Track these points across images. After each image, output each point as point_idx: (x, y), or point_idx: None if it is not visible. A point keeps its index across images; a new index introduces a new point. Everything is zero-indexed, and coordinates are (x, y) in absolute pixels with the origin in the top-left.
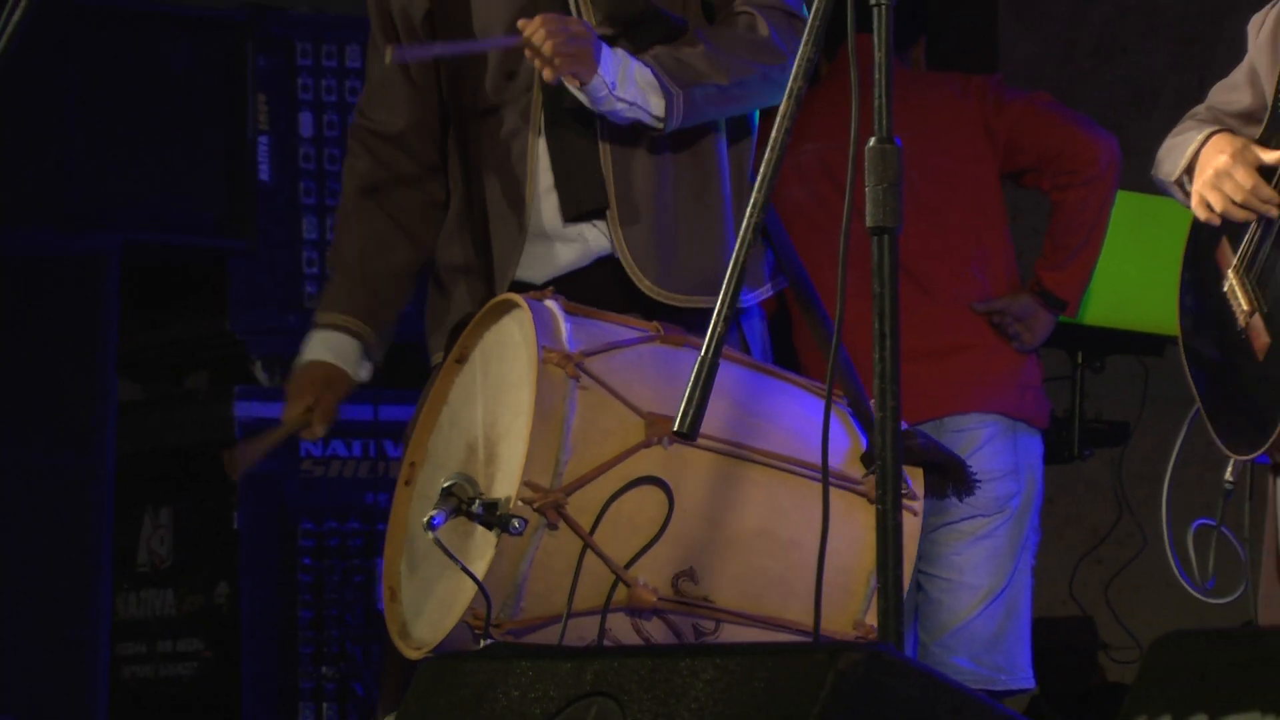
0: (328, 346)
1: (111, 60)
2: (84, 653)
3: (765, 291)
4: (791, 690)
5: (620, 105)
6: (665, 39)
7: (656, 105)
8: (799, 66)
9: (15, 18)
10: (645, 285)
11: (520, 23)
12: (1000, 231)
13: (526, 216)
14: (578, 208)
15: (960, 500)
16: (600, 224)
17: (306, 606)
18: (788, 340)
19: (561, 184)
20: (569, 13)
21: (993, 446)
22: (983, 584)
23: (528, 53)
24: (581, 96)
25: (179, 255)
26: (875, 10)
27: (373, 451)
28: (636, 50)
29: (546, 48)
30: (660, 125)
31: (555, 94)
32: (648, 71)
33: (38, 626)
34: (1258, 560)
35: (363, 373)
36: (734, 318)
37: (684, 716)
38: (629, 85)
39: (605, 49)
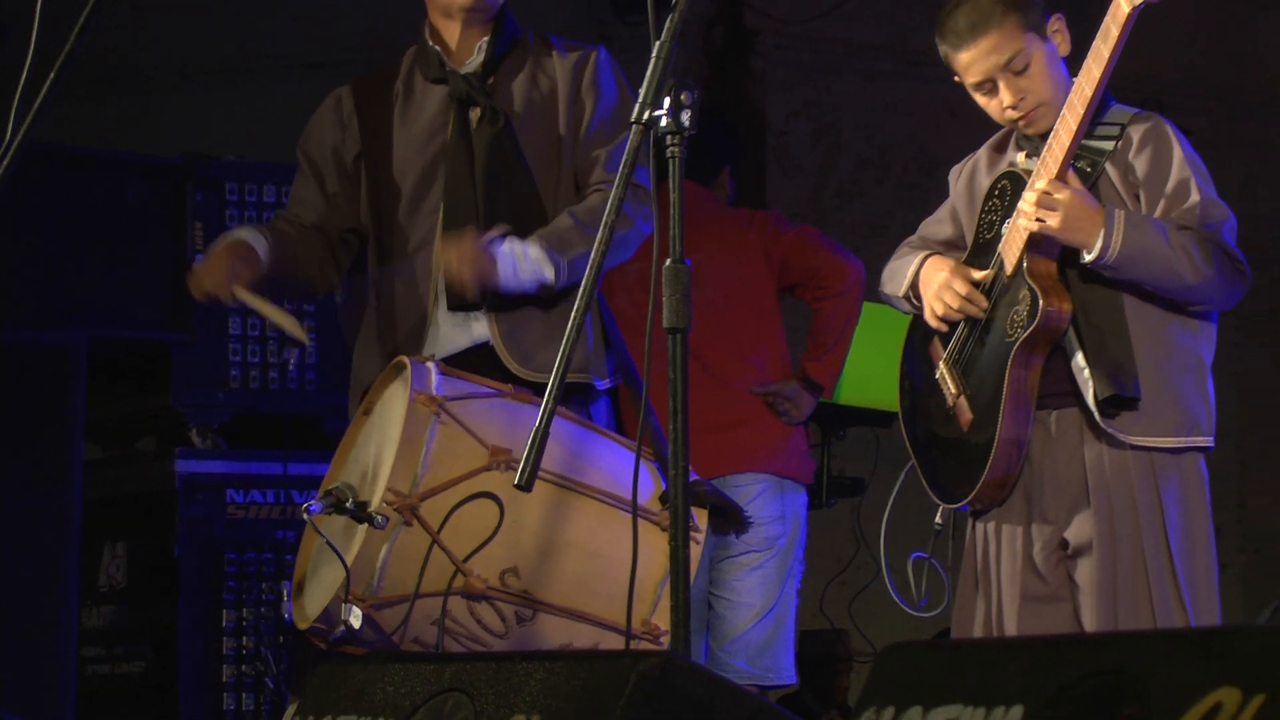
0: (245, 232)
1: (82, 194)
2: (56, 655)
3: (609, 381)
4: (604, 687)
5: (523, 281)
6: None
7: (548, 274)
8: (612, 203)
9: (6, 162)
10: (511, 365)
11: (440, 251)
12: (775, 330)
13: (429, 308)
14: (460, 299)
15: (737, 537)
16: (480, 318)
17: (230, 619)
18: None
19: (451, 283)
20: (474, 183)
21: (764, 499)
22: (755, 604)
23: (447, 275)
24: (494, 287)
25: (133, 346)
26: (670, 161)
27: (283, 499)
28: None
29: (463, 273)
30: (552, 286)
31: (453, 218)
32: (537, 249)
33: (19, 634)
34: (959, 580)
35: (265, 260)
36: (586, 395)
37: (520, 707)
38: (527, 266)
39: (500, 250)
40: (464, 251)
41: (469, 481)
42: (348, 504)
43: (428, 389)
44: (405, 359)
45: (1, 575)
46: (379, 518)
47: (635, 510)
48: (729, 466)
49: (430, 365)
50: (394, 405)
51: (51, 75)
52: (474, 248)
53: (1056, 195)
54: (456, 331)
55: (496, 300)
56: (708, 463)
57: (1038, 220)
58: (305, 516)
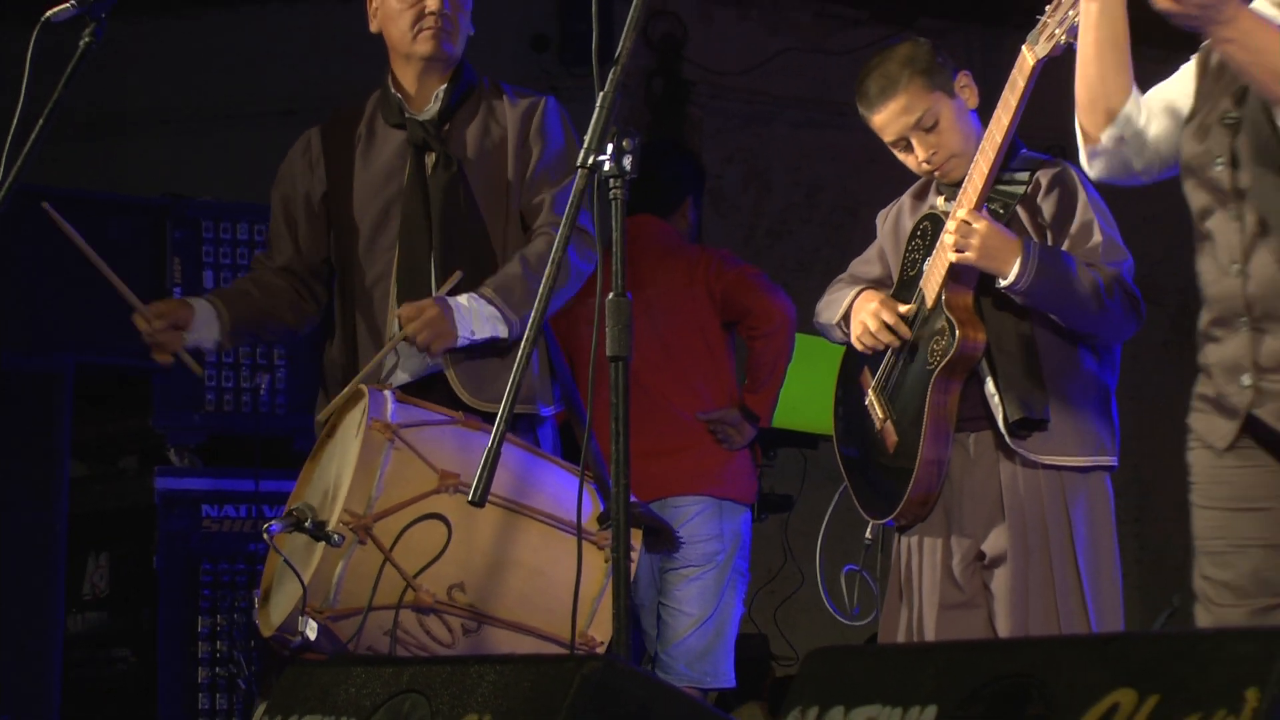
0: (197, 300)
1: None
2: (43, 658)
3: (555, 408)
4: (550, 689)
5: (479, 338)
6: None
7: (502, 330)
8: (559, 244)
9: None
10: (463, 395)
11: (403, 320)
12: (721, 361)
13: (386, 338)
14: None
15: (670, 555)
16: None
17: (205, 625)
18: None
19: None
20: (429, 226)
21: (702, 519)
22: (694, 613)
23: (408, 339)
24: (453, 347)
25: (115, 372)
26: (613, 203)
27: (255, 513)
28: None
29: (421, 340)
30: (505, 340)
31: (408, 256)
32: (491, 308)
33: (8, 638)
34: (886, 590)
35: (206, 333)
36: (533, 422)
37: (473, 707)
38: (482, 325)
39: (458, 311)
40: (425, 319)
41: (420, 503)
42: (306, 524)
43: (383, 417)
44: (364, 387)
45: None
46: (335, 536)
47: (580, 532)
48: (671, 489)
49: (387, 394)
50: (352, 430)
51: (41, 121)
52: (434, 315)
53: (975, 225)
54: (413, 362)
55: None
56: (652, 486)
57: (958, 250)
58: (266, 537)
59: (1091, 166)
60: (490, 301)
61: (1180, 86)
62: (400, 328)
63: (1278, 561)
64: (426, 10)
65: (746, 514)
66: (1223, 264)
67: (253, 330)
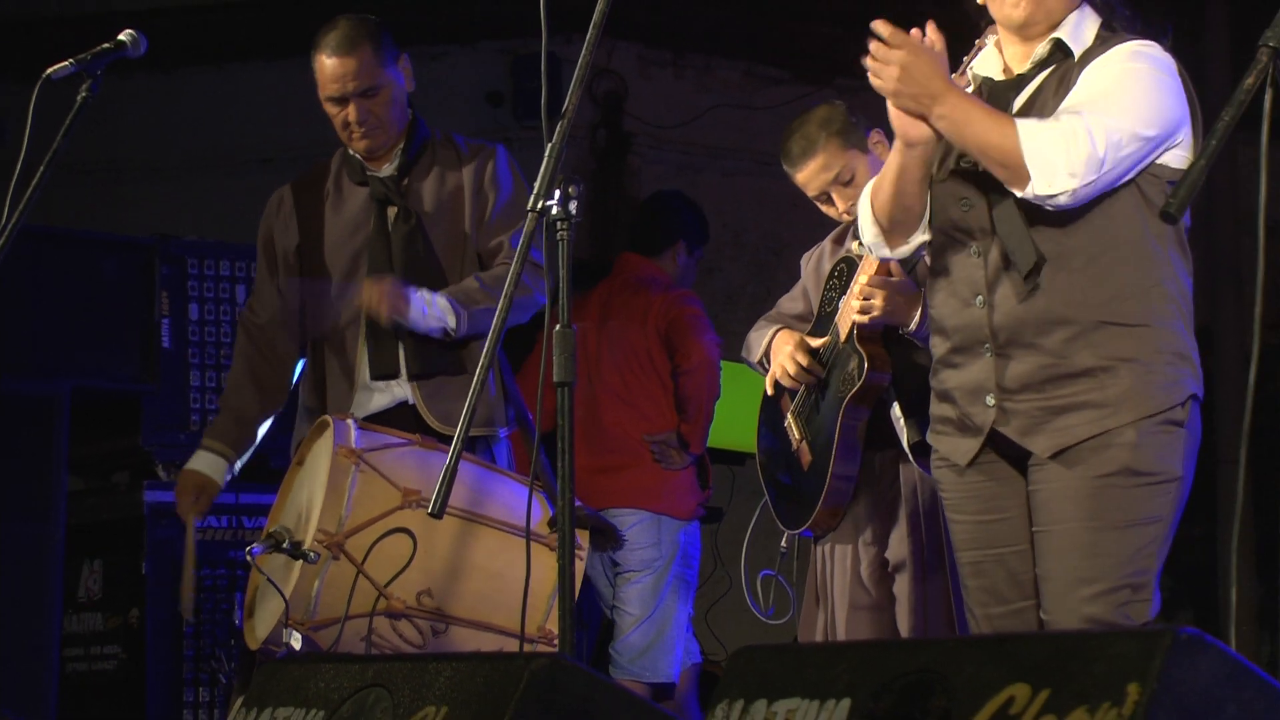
0: (206, 462)
1: (66, 267)
2: (41, 656)
3: (511, 428)
4: (501, 683)
5: (430, 324)
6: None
7: (451, 321)
8: (512, 276)
9: (4, 241)
10: (432, 423)
11: (364, 291)
12: (669, 391)
13: (356, 375)
14: (381, 370)
15: (614, 554)
16: (399, 382)
17: (189, 625)
18: None
19: (373, 356)
20: (390, 266)
21: (639, 529)
22: (636, 613)
23: (367, 310)
24: (405, 323)
25: (108, 395)
26: (560, 243)
27: (235, 524)
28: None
29: (380, 307)
30: (454, 333)
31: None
32: (445, 301)
33: (10, 638)
34: (801, 597)
35: (225, 478)
36: (489, 441)
37: (431, 699)
38: (434, 311)
39: (414, 294)
40: (383, 288)
41: (386, 519)
42: (285, 545)
43: (348, 443)
44: (329, 418)
45: None
46: (312, 554)
47: (529, 536)
48: (613, 501)
49: (349, 423)
50: (321, 457)
51: (42, 168)
52: (392, 287)
53: (876, 290)
54: (380, 395)
55: (416, 371)
56: (599, 498)
57: (863, 313)
58: (249, 558)
59: (879, 254)
60: (445, 297)
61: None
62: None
63: (1028, 564)
64: (349, 122)
65: (688, 527)
66: (964, 297)
67: (258, 429)
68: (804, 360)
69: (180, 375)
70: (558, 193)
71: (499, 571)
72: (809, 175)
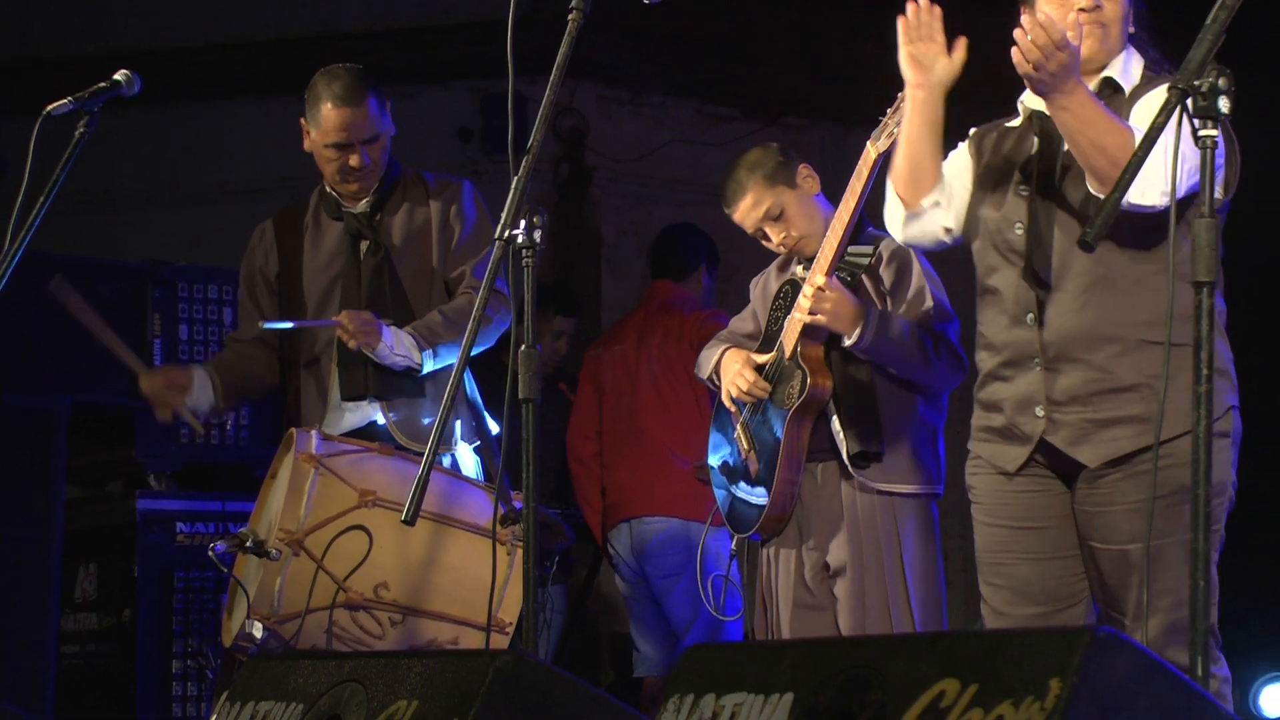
0: (195, 367)
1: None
2: (40, 652)
3: (475, 441)
4: (469, 678)
5: (396, 360)
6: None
7: (416, 360)
8: (480, 303)
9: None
10: (403, 441)
11: (340, 320)
12: (697, 398)
13: (329, 396)
14: (351, 392)
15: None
16: (368, 403)
17: (178, 624)
18: None
19: (343, 379)
20: (360, 301)
21: (669, 535)
22: (688, 615)
23: (341, 335)
24: (373, 355)
25: (104, 410)
26: (524, 269)
27: (222, 530)
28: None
29: (354, 334)
30: (418, 370)
31: None
32: (411, 339)
33: (11, 636)
34: (751, 597)
35: (201, 396)
36: (453, 452)
37: (403, 694)
38: (401, 348)
39: (384, 329)
40: (360, 319)
41: (344, 517)
42: (248, 544)
43: (309, 450)
44: (293, 430)
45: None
46: (273, 551)
47: (495, 537)
48: (644, 509)
49: (312, 433)
50: (287, 467)
51: (43, 199)
52: (368, 318)
53: (827, 292)
54: (351, 414)
55: (383, 393)
56: (631, 505)
57: (811, 313)
58: (211, 555)
59: (906, 231)
60: (410, 334)
61: (959, 164)
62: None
63: (1054, 571)
64: (350, 166)
65: (716, 532)
66: (1014, 314)
67: (242, 391)
68: (750, 376)
69: None
70: (523, 222)
71: (455, 565)
72: (742, 213)
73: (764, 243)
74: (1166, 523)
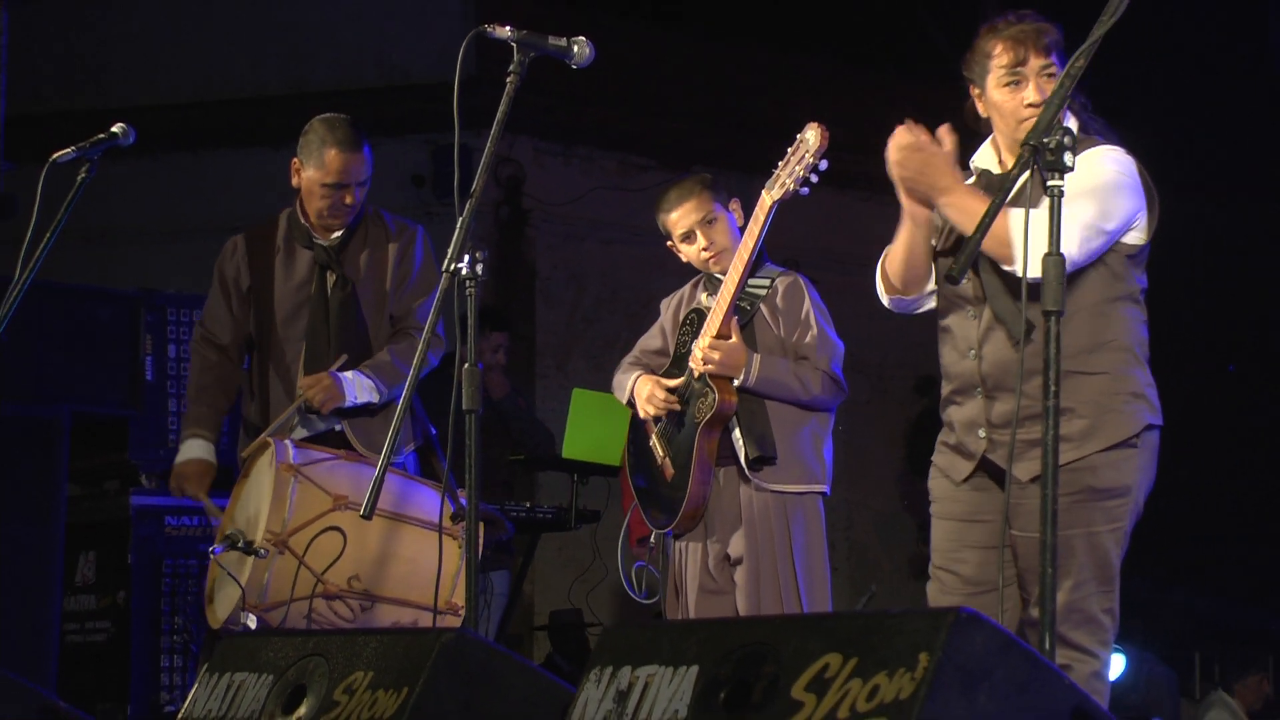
0: (203, 449)
1: (67, 314)
2: (45, 630)
3: (419, 442)
4: (418, 652)
5: (359, 403)
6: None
7: (374, 398)
8: (423, 343)
9: (17, 295)
10: (359, 448)
11: (305, 394)
12: None
13: (293, 417)
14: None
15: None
16: (331, 416)
17: (166, 605)
18: None
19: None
20: (329, 330)
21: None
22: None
23: (311, 402)
24: (343, 405)
25: (101, 418)
26: (469, 297)
27: (204, 523)
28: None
29: (322, 404)
30: (376, 404)
31: (313, 346)
32: (369, 381)
33: (18, 615)
34: (666, 581)
35: (213, 459)
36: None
37: (360, 666)
38: (362, 392)
39: (346, 381)
40: (322, 386)
41: (321, 519)
42: (240, 544)
43: (288, 460)
44: (270, 440)
45: (7, 575)
46: (262, 550)
47: (441, 529)
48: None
49: (288, 443)
50: (264, 472)
51: (48, 236)
52: (329, 383)
53: (717, 346)
54: (313, 422)
55: (344, 413)
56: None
57: (705, 363)
58: (211, 556)
59: (897, 307)
60: (369, 376)
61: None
62: (302, 393)
63: (992, 559)
64: (344, 203)
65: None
66: (961, 350)
67: (222, 415)
68: (663, 396)
69: (160, 402)
70: (467, 257)
71: (413, 558)
72: (681, 215)
73: (684, 248)
74: (1071, 517)
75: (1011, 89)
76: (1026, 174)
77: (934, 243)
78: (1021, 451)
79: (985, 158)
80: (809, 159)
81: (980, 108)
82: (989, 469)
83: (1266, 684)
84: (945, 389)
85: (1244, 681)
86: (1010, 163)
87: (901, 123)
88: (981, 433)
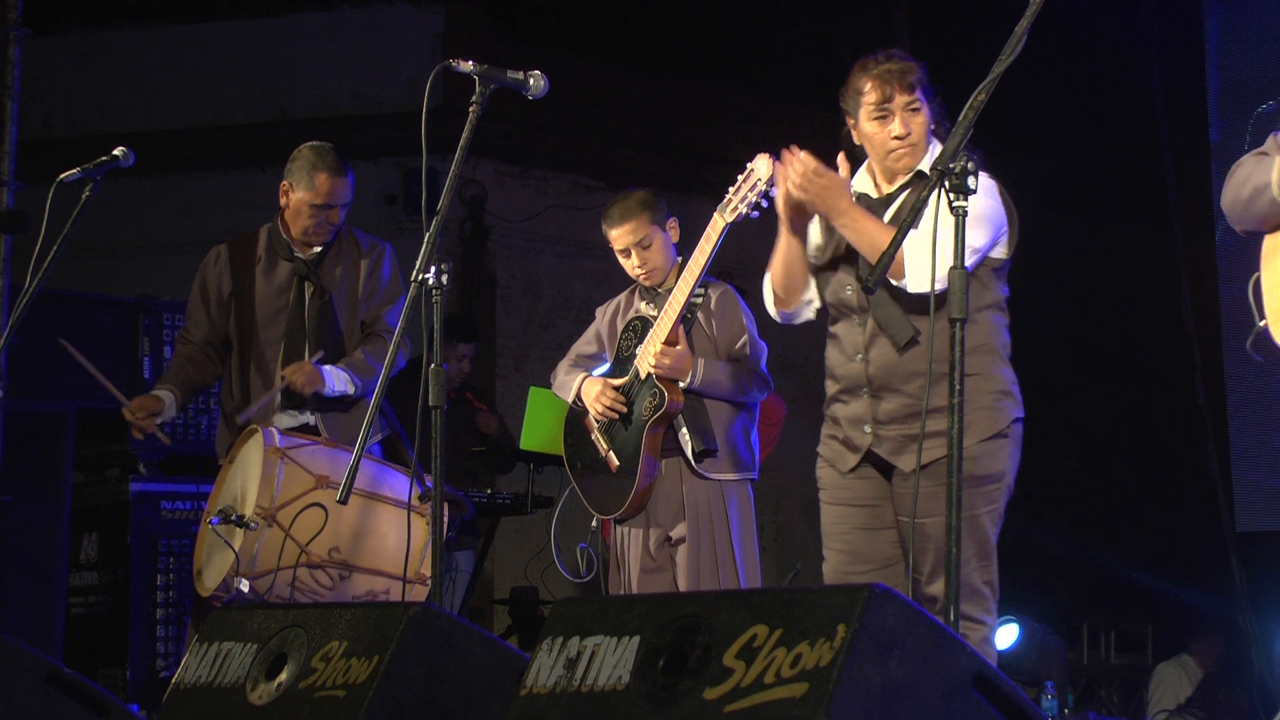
0: (162, 390)
1: (72, 320)
2: (52, 604)
3: (385, 433)
4: (388, 623)
5: (336, 393)
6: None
7: (350, 389)
8: (393, 347)
9: (26, 303)
10: (322, 439)
11: (289, 379)
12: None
13: (274, 398)
14: (292, 402)
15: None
16: (306, 411)
17: (162, 581)
18: None
19: (285, 391)
20: (307, 336)
21: None
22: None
23: (293, 386)
24: (322, 392)
25: (104, 413)
26: (434, 305)
27: (196, 507)
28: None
29: (303, 386)
30: (351, 397)
31: (291, 352)
32: (345, 374)
33: (28, 591)
34: (608, 560)
35: (168, 412)
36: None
37: (335, 636)
38: (339, 382)
39: (326, 374)
40: (304, 369)
41: (305, 497)
42: (233, 518)
43: (274, 444)
44: (257, 427)
45: (18, 554)
46: (252, 524)
47: (410, 507)
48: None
49: (273, 429)
50: (253, 455)
51: (55, 247)
52: (310, 368)
53: (667, 352)
54: (288, 417)
55: (318, 405)
56: None
57: (656, 367)
58: (210, 526)
59: (782, 317)
60: (345, 370)
61: (814, 242)
62: (284, 379)
63: (879, 539)
64: (329, 222)
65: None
66: (849, 353)
67: (194, 389)
68: (613, 396)
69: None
70: (434, 268)
71: (383, 532)
72: (621, 234)
73: (623, 261)
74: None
75: (880, 122)
76: (934, 196)
77: (812, 259)
78: (905, 445)
79: (862, 182)
80: (761, 186)
81: (855, 136)
82: (874, 460)
83: (1221, 645)
84: (831, 388)
85: (1199, 644)
86: (885, 187)
87: (788, 148)
88: (867, 428)
